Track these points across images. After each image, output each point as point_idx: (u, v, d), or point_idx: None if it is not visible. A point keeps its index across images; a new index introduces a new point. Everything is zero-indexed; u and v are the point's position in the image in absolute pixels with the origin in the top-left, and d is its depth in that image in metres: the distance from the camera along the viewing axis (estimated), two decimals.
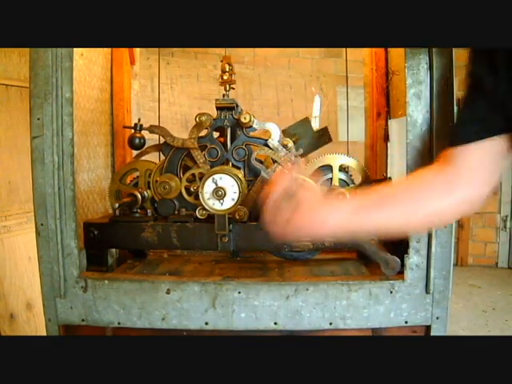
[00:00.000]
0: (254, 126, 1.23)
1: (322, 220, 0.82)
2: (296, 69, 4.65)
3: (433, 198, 0.81)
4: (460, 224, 4.87)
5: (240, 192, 1.14)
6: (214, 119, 1.26)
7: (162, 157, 1.33)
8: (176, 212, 1.26)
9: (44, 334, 1.18)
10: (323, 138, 1.43)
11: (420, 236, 1.11)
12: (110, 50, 1.62)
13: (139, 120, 1.37)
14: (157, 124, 1.35)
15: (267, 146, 1.20)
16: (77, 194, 1.16)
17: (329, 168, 1.36)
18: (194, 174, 1.24)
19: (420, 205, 0.82)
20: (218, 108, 1.27)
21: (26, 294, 2.58)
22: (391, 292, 1.11)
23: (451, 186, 0.80)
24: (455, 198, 0.81)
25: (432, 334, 1.12)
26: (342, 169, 1.38)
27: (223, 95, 1.30)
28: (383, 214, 0.82)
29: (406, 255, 1.11)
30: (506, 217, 4.85)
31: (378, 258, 1.11)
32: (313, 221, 0.82)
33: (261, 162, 1.21)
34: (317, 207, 0.83)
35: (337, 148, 1.39)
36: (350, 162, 1.36)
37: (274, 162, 1.20)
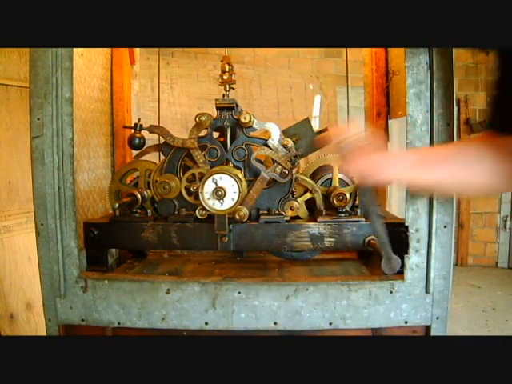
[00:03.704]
0: (254, 125, 1.23)
1: (383, 167, 0.94)
2: (296, 69, 4.65)
3: (477, 166, 0.88)
4: (460, 224, 4.87)
5: (240, 192, 1.14)
6: (214, 119, 1.26)
7: (162, 157, 1.33)
8: (176, 212, 1.26)
9: (44, 333, 1.18)
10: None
11: (420, 236, 1.11)
12: (109, 50, 1.62)
13: (139, 120, 1.37)
14: (157, 124, 1.35)
15: (267, 145, 1.20)
16: (77, 193, 1.16)
17: (329, 168, 1.36)
18: (194, 174, 1.24)
19: (467, 169, 0.90)
20: (217, 108, 1.27)
21: (26, 294, 2.58)
22: (391, 292, 1.11)
23: (495, 159, 0.86)
24: (495, 172, 0.87)
25: (432, 334, 1.12)
26: None
27: (223, 95, 1.30)
28: (437, 172, 0.91)
29: (405, 255, 1.11)
30: (506, 217, 4.85)
31: (384, 251, 1.06)
32: (376, 166, 0.94)
33: (261, 162, 1.21)
34: (381, 156, 0.96)
35: None
36: None
37: (274, 161, 1.20)
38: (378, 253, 1.10)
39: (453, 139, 1.09)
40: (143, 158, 1.41)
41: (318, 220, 1.22)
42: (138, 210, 1.29)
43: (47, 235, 1.14)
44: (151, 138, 1.40)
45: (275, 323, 1.12)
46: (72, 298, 1.16)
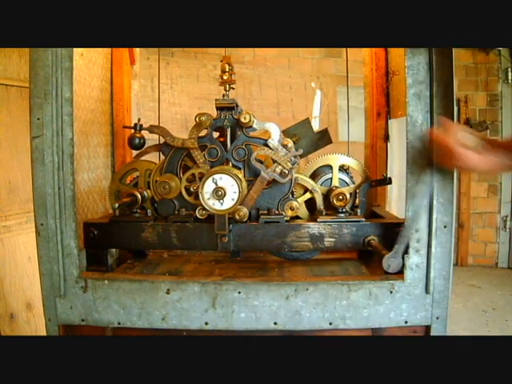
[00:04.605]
0: (254, 125, 1.23)
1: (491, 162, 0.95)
2: (296, 69, 4.65)
3: None
4: (460, 224, 4.87)
5: (240, 192, 1.14)
6: (214, 119, 1.26)
7: (162, 157, 1.33)
8: (176, 212, 1.26)
9: (44, 333, 1.18)
10: (323, 139, 1.43)
11: (420, 236, 1.11)
12: (109, 50, 1.62)
13: (139, 120, 1.37)
14: (157, 124, 1.35)
15: (267, 145, 1.20)
16: (77, 194, 1.16)
17: (329, 168, 1.36)
18: (193, 174, 1.24)
19: None
20: (217, 108, 1.27)
21: (26, 294, 2.58)
22: (391, 292, 1.11)
23: None
24: None
25: (432, 334, 1.12)
26: (342, 169, 1.38)
27: (223, 95, 1.30)
28: None
29: (406, 255, 1.11)
30: (506, 217, 4.85)
31: (400, 240, 1.10)
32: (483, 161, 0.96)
33: (261, 162, 1.21)
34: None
35: (337, 148, 1.40)
36: (350, 162, 1.36)
37: (274, 161, 1.20)
38: (379, 252, 1.10)
39: None
40: (143, 157, 1.41)
41: (318, 220, 1.22)
42: (138, 210, 1.29)
43: (47, 235, 1.14)
44: (151, 138, 1.40)
45: (275, 323, 1.12)
46: (72, 298, 1.15)
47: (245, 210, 1.15)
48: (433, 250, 1.10)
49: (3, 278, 2.48)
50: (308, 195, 1.32)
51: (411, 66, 1.09)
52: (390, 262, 1.09)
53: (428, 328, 1.13)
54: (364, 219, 1.23)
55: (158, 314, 1.14)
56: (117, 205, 1.24)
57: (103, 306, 1.15)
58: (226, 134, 1.27)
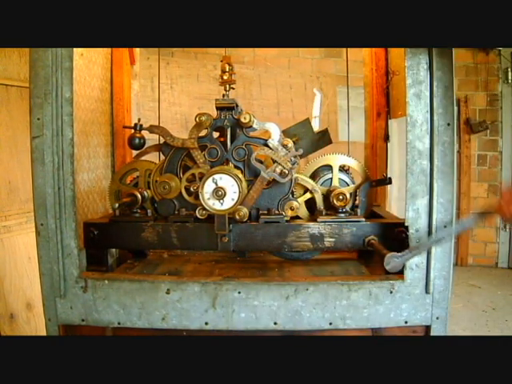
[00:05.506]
0: (254, 126, 1.23)
1: None
2: (296, 69, 4.65)
3: None
4: None
5: (240, 192, 1.14)
6: (214, 119, 1.26)
7: (162, 157, 1.33)
8: (176, 212, 1.26)
9: (44, 333, 1.18)
10: (323, 139, 1.43)
11: (420, 236, 1.11)
12: (109, 50, 1.62)
13: (139, 120, 1.37)
14: (157, 124, 1.35)
15: (267, 145, 1.20)
16: (77, 194, 1.16)
17: (329, 168, 1.36)
18: (193, 174, 1.24)
19: None
20: (217, 108, 1.27)
21: (26, 294, 2.58)
22: (391, 292, 1.11)
23: None
24: None
25: (432, 334, 1.12)
26: (342, 169, 1.38)
27: (223, 95, 1.30)
28: None
29: None
30: None
31: (413, 249, 1.08)
32: None
33: (261, 162, 1.21)
34: None
35: (337, 148, 1.40)
36: (350, 162, 1.36)
37: (274, 161, 1.20)
38: (380, 252, 1.10)
39: (453, 139, 1.09)
40: (143, 157, 1.41)
41: (318, 220, 1.22)
42: (138, 210, 1.29)
43: (47, 235, 1.14)
44: (151, 138, 1.40)
45: (275, 323, 1.12)
46: (72, 298, 1.15)
47: (245, 210, 1.15)
48: (433, 250, 1.10)
49: (3, 278, 2.48)
50: (308, 195, 1.32)
51: (411, 66, 1.09)
52: (391, 260, 1.07)
53: (428, 328, 1.13)
54: (364, 219, 1.23)
55: (158, 314, 1.14)
56: (117, 205, 1.24)
57: (103, 306, 1.15)
58: (226, 134, 1.27)
